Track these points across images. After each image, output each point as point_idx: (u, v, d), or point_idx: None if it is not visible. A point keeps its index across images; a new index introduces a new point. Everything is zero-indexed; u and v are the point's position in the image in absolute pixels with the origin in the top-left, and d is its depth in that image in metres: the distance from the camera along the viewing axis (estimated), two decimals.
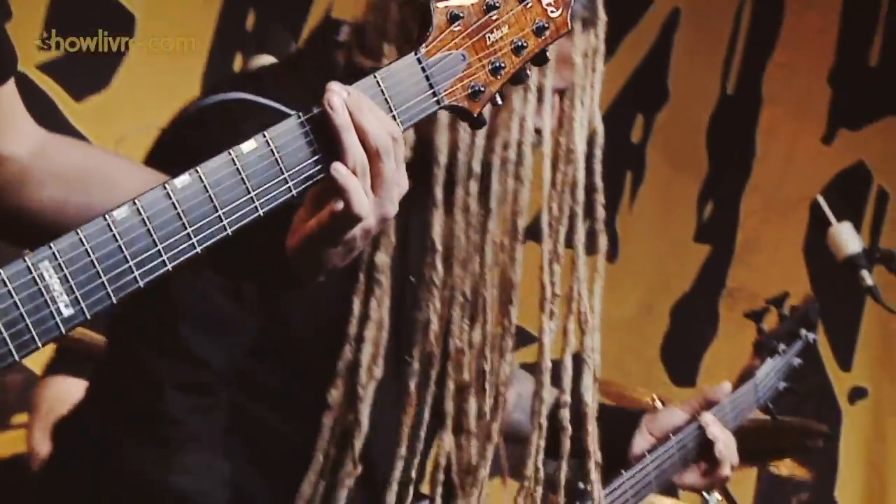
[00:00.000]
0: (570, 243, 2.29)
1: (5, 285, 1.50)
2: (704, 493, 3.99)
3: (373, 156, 1.70)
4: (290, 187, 1.68)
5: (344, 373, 2.11)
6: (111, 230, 1.56)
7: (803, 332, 2.98)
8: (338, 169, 1.69)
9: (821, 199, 3.47)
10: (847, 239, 3.41)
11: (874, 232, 6.65)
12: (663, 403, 4.07)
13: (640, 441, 2.70)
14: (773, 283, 6.30)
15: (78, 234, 1.55)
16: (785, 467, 5.04)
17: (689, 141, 6.34)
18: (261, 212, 1.66)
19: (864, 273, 3.38)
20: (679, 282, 6.27)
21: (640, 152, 6.19)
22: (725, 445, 2.72)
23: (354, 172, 1.69)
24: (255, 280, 1.99)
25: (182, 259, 1.60)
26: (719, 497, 4.03)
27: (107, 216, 1.56)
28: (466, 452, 2.27)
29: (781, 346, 2.93)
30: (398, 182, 1.73)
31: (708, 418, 2.71)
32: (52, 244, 1.53)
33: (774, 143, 6.51)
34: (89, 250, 1.54)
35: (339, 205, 1.70)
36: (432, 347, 2.18)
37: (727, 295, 6.31)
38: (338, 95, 1.68)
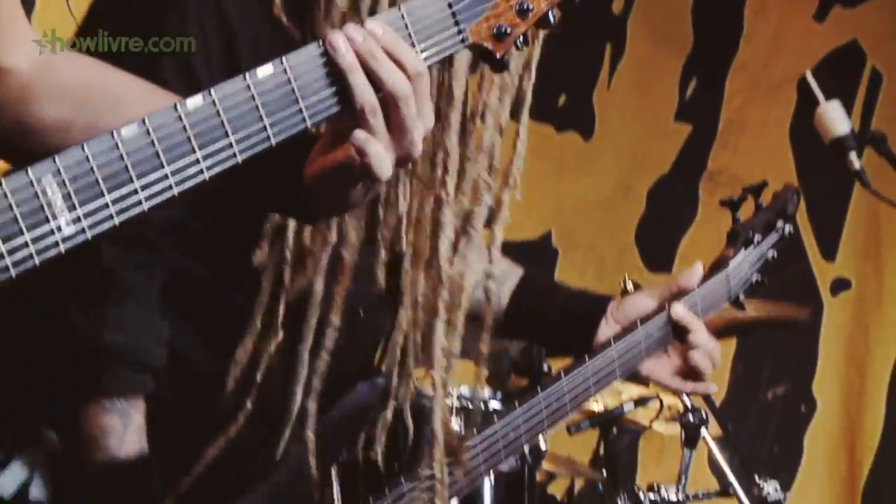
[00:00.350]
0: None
1: (6, 197, 1.48)
2: None
3: (389, 103, 1.68)
4: (304, 118, 1.66)
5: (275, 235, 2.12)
6: (118, 148, 1.54)
7: (780, 223, 2.96)
8: (357, 136, 1.67)
9: (809, 76, 3.44)
10: (835, 119, 3.38)
11: (866, 115, 6.63)
12: (636, 286, 4.09)
13: (606, 330, 2.69)
14: (756, 166, 6.31)
15: (84, 149, 1.53)
16: None
17: (674, 14, 6.27)
18: (273, 141, 1.64)
19: (853, 155, 3.36)
20: (658, 163, 6.24)
21: (621, 25, 6.12)
22: (701, 339, 2.70)
23: (364, 112, 1.66)
24: (269, 210, 1.97)
25: (189, 184, 1.59)
26: None
27: (115, 133, 1.54)
28: (420, 330, 2.28)
29: (757, 237, 2.91)
30: (422, 121, 1.71)
31: (680, 311, 2.69)
32: (56, 157, 1.51)
33: (764, 18, 6.46)
34: (94, 168, 1.53)
35: (359, 159, 1.68)
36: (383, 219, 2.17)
37: (708, 178, 6.30)
38: (341, 35, 1.65)
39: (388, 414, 2.27)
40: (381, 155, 1.68)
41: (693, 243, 6.19)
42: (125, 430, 2.04)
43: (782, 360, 6.46)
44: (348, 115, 1.68)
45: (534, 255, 5.73)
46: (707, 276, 2.79)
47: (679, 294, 2.71)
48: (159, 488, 2.07)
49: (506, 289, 2.68)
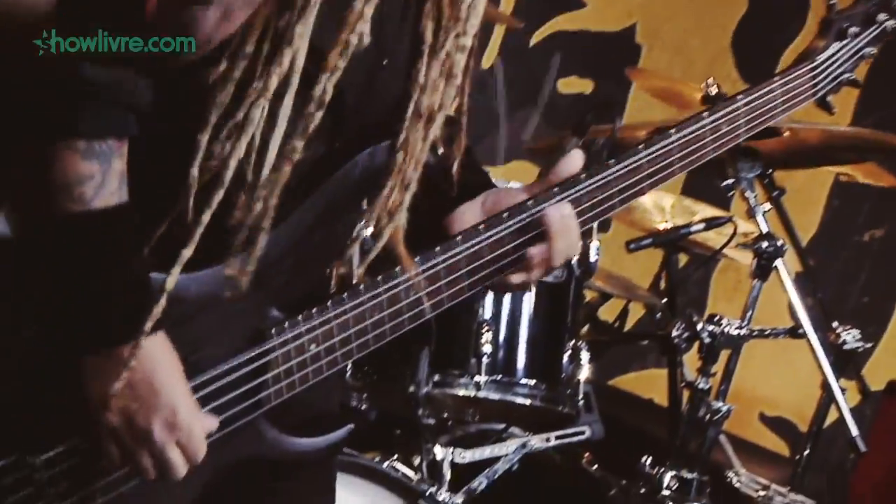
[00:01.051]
0: None
1: None
2: (751, 201, 4.00)
3: None
4: None
5: None
6: None
7: (882, 16, 2.90)
8: None
9: None
10: None
11: None
12: (719, 94, 4.05)
13: (472, 208, 2.40)
14: None
15: None
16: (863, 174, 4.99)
17: None
18: None
19: None
20: None
21: None
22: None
23: None
24: None
25: None
26: (767, 207, 4.04)
27: None
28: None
29: (853, 30, 2.86)
30: None
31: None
32: None
33: None
34: None
35: None
36: None
37: None
38: None
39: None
40: None
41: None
42: (104, 177, 2.02)
43: (886, 198, 6.40)
44: None
45: (613, 49, 5.69)
46: (791, 67, 2.75)
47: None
48: (136, 241, 2.06)
49: None
